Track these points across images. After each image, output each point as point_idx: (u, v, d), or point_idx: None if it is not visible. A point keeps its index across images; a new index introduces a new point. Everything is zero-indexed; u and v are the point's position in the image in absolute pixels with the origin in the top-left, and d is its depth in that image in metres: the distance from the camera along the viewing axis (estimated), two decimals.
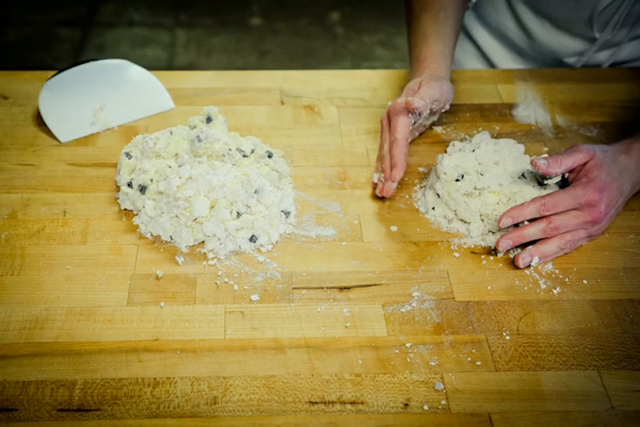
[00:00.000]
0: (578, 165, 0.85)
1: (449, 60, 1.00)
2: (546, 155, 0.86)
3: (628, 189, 0.87)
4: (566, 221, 0.83)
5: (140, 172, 0.88)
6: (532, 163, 0.84)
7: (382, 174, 0.91)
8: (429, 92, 0.91)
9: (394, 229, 0.88)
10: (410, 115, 0.90)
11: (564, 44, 1.16)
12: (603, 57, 1.17)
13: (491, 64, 1.27)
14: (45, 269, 0.82)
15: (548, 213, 0.83)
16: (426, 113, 0.92)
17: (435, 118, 1.01)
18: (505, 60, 1.25)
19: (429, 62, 0.98)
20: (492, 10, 1.21)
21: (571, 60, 1.19)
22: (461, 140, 1.01)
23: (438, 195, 0.90)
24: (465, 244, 0.87)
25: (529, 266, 0.84)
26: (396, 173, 0.88)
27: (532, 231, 0.83)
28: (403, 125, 0.90)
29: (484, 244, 0.87)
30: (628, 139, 0.89)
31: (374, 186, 0.93)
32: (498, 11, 1.20)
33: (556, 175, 0.85)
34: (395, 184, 0.90)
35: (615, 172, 0.85)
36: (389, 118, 0.92)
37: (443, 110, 0.97)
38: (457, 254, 0.85)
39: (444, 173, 0.89)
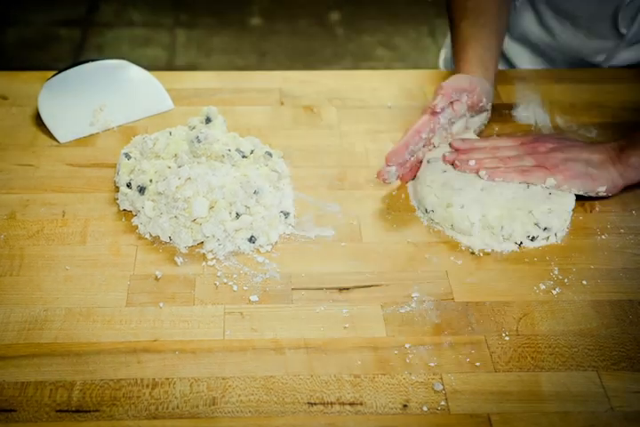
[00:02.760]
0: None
1: (488, 62, 0.99)
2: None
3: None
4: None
5: (139, 172, 0.88)
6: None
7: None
8: (452, 83, 0.91)
9: (393, 229, 0.88)
10: (438, 115, 0.91)
11: (586, 43, 1.15)
12: (631, 55, 1.15)
13: (513, 67, 1.26)
14: (44, 270, 0.82)
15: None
16: (462, 110, 0.92)
17: (481, 120, 0.99)
18: (528, 63, 1.24)
19: (467, 67, 0.98)
20: (513, 12, 1.19)
21: (596, 60, 1.17)
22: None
23: (432, 211, 0.89)
24: (464, 245, 0.87)
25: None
26: (390, 156, 0.88)
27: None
28: (420, 122, 0.91)
29: (483, 245, 0.86)
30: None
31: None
32: (519, 12, 1.18)
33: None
34: (390, 169, 0.89)
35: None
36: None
37: (485, 109, 0.96)
38: (456, 255, 0.85)
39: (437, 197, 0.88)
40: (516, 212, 0.85)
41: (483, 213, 0.86)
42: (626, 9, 1.06)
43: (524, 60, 1.25)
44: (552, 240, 0.87)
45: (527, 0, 1.17)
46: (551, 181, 0.88)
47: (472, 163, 0.89)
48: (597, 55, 1.17)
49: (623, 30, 1.10)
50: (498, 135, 1.00)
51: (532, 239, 0.85)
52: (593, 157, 0.90)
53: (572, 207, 0.88)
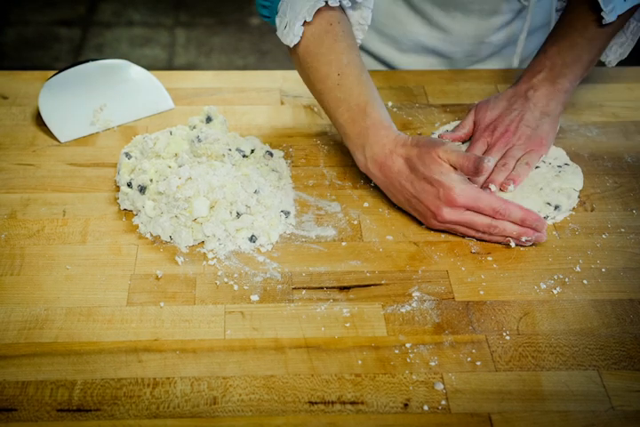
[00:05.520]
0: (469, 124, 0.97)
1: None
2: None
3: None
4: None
5: (139, 172, 0.88)
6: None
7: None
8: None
9: (393, 229, 0.88)
10: None
11: (481, 25, 1.13)
12: (536, 40, 1.15)
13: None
14: (45, 270, 0.82)
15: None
16: None
17: None
18: (429, 66, 1.20)
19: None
20: (400, 27, 1.16)
21: (494, 40, 1.16)
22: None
23: None
24: (465, 244, 0.87)
25: None
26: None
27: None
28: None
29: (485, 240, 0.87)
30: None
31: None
32: (405, 23, 1.15)
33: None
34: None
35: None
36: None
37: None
38: (457, 254, 0.85)
39: None
40: (528, 189, 0.88)
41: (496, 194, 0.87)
42: None
43: (424, 66, 1.21)
44: (558, 218, 0.89)
45: (410, 9, 1.14)
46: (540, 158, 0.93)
47: (493, 187, 0.88)
48: (494, 34, 1.15)
49: (525, 2, 1.11)
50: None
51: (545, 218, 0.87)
52: (541, 119, 0.95)
53: (581, 187, 0.91)
